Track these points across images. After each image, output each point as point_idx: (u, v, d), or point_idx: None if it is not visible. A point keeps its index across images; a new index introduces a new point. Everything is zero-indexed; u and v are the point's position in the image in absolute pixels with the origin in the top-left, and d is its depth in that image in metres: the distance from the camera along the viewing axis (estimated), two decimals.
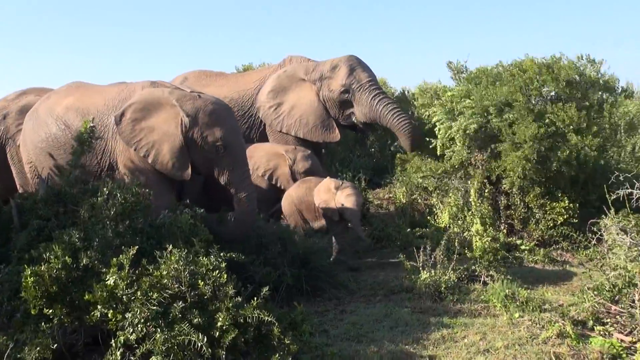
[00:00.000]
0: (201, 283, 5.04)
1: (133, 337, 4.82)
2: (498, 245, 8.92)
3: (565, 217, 9.19)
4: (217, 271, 5.17)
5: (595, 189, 9.58)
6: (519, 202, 9.62)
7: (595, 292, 6.26)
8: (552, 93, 9.26)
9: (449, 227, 9.27)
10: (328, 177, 9.15)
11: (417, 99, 11.52)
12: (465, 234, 8.69)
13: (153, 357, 4.73)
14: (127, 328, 4.86)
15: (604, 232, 5.86)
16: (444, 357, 5.60)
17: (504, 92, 9.21)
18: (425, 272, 7.39)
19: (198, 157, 7.25)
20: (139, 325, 4.83)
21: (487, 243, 8.83)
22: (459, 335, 6.12)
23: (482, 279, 7.71)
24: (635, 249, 5.21)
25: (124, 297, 4.92)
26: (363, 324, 6.50)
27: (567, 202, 9.25)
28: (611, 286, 6.03)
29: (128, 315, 4.87)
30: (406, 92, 12.39)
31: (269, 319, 5.00)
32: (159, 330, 4.81)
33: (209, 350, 4.66)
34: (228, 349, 4.85)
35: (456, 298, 7.13)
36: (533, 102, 9.19)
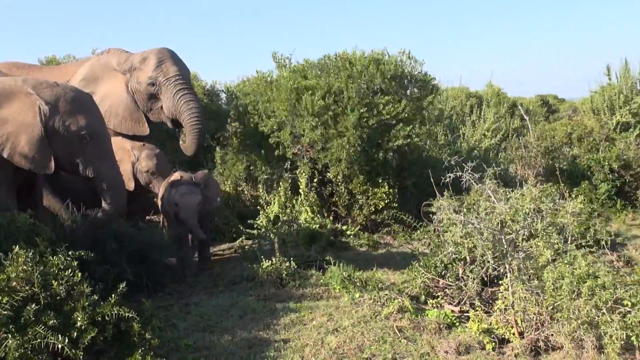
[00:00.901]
0: (55, 283, 4.82)
1: None
2: (326, 231, 9.38)
3: (386, 202, 9.84)
4: (70, 270, 4.97)
5: (411, 175, 10.37)
6: (343, 190, 10.12)
7: (425, 269, 6.80)
8: (378, 86, 9.79)
9: (279, 216, 9.51)
10: (178, 172, 8.90)
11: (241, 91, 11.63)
12: (297, 222, 8.99)
13: None
14: None
15: (440, 212, 6.37)
16: (297, 340, 5.82)
17: (333, 82, 9.64)
18: (267, 261, 7.56)
19: (60, 149, 6.78)
20: None
21: (316, 230, 9.24)
22: (307, 318, 6.38)
23: (317, 264, 8.05)
24: (469, 226, 5.76)
25: None
26: (211, 315, 6.55)
27: (387, 187, 9.91)
28: (440, 262, 6.59)
29: None
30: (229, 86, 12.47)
31: (130, 315, 4.92)
32: (10, 335, 4.54)
33: (72, 351, 4.49)
34: (86, 349, 4.70)
35: (298, 283, 7.40)
36: (362, 93, 9.67)
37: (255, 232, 8.83)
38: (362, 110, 9.38)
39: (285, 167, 10.53)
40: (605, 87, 21.79)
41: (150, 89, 9.55)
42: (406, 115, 9.69)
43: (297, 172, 10.17)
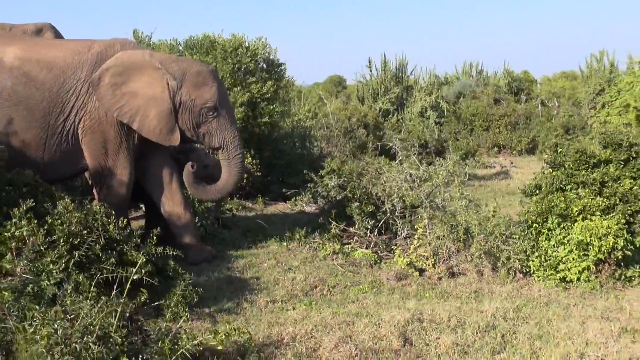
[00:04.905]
0: (111, 227, 5.51)
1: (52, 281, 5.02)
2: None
3: (252, 170, 11.09)
4: (112, 217, 5.66)
5: (268, 147, 11.76)
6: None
7: (335, 221, 8.28)
8: (246, 66, 10.94)
9: None
10: None
11: None
12: None
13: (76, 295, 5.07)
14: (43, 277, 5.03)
15: (385, 177, 7.94)
16: (263, 277, 6.99)
17: (210, 61, 10.60)
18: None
19: (187, 122, 7.10)
20: (54, 271, 5.07)
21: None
22: (256, 262, 7.55)
23: (219, 224, 9.13)
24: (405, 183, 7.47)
25: (42, 247, 5.08)
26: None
27: (250, 158, 11.15)
28: (356, 212, 8.11)
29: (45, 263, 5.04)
30: None
31: (170, 252, 5.75)
32: (78, 272, 5.15)
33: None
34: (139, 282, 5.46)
35: (217, 241, 8.42)
36: (235, 72, 10.75)
37: None
38: (235, 89, 10.54)
39: None
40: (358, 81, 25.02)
41: None
42: (269, 95, 11.04)
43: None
